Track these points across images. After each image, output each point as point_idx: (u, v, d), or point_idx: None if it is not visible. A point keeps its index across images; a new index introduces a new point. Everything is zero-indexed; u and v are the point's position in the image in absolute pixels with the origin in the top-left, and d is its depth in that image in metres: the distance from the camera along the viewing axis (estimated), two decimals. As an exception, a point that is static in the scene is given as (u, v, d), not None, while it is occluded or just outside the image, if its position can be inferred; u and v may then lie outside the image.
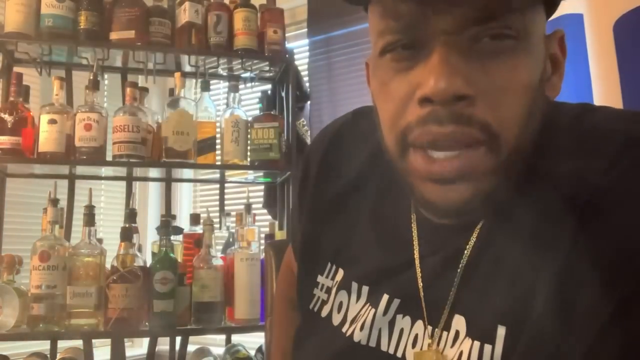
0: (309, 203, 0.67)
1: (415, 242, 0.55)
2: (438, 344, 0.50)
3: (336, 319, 0.59)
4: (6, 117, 1.48)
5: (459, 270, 0.50)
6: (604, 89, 1.25)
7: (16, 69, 1.65)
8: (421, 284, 0.52)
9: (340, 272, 0.61)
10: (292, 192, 1.75)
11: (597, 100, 1.26)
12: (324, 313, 0.61)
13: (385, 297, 0.55)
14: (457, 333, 0.49)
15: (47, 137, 1.50)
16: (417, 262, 0.54)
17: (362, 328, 0.55)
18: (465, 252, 0.50)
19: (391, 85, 0.47)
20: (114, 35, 1.61)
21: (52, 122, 1.50)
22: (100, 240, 1.52)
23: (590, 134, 0.46)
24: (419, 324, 0.52)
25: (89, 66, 1.68)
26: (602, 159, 0.44)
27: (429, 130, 0.44)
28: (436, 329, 0.50)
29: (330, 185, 0.64)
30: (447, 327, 0.50)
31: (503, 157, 0.44)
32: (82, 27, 1.58)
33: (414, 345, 0.52)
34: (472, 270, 0.49)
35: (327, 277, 0.62)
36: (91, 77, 1.56)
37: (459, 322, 0.49)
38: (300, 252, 0.68)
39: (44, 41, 1.58)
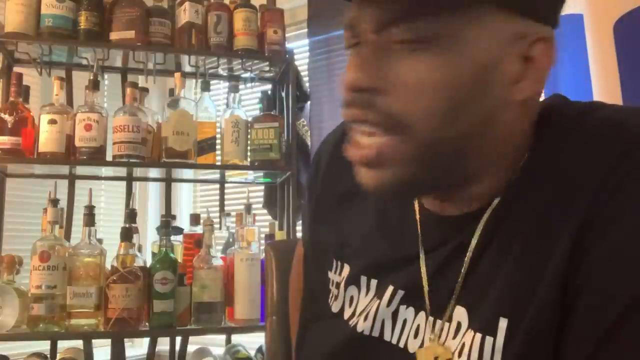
0: (316, 200, 0.69)
1: (420, 236, 0.56)
2: (440, 336, 0.51)
3: (347, 313, 0.61)
4: (6, 117, 1.48)
5: (463, 263, 0.51)
6: (604, 89, 1.25)
7: (16, 69, 1.65)
8: (425, 277, 0.54)
9: (347, 268, 0.62)
10: (292, 192, 1.75)
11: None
12: (335, 308, 0.62)
13: (390, 288, 0.56)
14: (458, 324, 0.50)
15: (47, 137, 1.50)
16: (421, 255, 0.55)
17: (365, 319, 0.57)
18: (470, 245, 0.51)
19: None
20: (114, 36, 1.61)
21: (52, 122, 1.50)
22: (100, 241, 1.52)
23: (595, 129, 0.47)
24: (422, 315, 0.53)
25: (89, 66, 1.68)
26: (605, 157, 0.45)
27: (343, 113, 0.49)
28: (438, 320, 0.52)
29: (338, 182, 0.66)
30: (449, 319, 0.51)
31: (420, 148, 0.46)
32: (82, 27, 1.58)
33: (415, 336, 0.53)
34: (475, 263, 0.50)
35: (334, 272, 0.64)
36: (91, 77, 1.57)
37: (460, 314, 0.50)
38: (311, 248, 0.70)
39: (44, 41, 1.58)
